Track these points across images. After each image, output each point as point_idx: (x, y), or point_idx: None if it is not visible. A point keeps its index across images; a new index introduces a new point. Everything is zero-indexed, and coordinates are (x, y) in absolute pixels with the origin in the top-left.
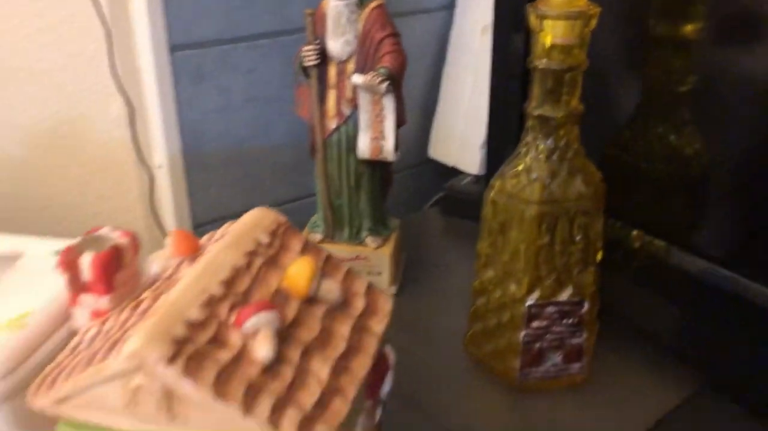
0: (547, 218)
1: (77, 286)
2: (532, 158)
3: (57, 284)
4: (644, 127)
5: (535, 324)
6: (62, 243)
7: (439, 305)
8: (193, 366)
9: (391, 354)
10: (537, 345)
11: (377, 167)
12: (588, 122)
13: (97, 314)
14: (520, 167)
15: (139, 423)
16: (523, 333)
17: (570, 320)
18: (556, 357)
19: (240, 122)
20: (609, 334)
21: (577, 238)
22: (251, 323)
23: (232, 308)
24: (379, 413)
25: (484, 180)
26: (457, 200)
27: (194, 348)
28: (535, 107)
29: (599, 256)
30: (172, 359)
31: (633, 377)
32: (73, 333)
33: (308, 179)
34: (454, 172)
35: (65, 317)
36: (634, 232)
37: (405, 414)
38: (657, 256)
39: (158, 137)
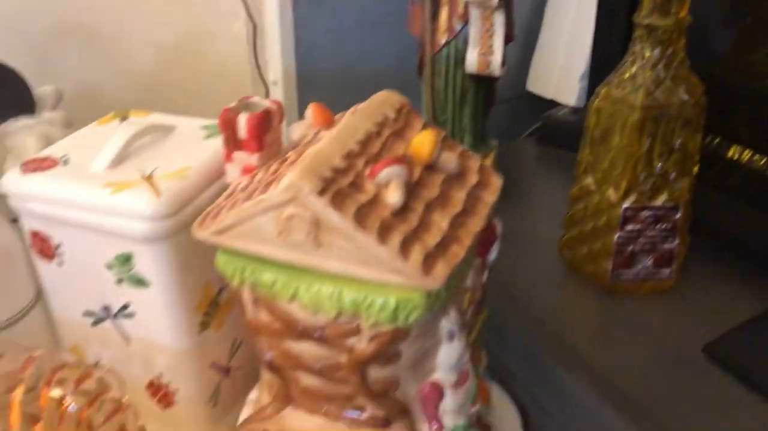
0: (649, 124)
1: (232, 143)
2: (638, 67)
3: (208, 149)
4: (750, 45)
5: (630, 227)
6: (208, 121)
7: (533, 219)
8: (338, 200)
9: (498, 226)
10: (630, 248)
11: (482, 83)
12: (694, 36)
13: (246, 170)
14: (626, 75)
15: (288, 252)
16: (617, 235)
17: (663, 226)
18: (647, 261)
19: (350, 44)
20: (700, 246)
21: (676, 146)
22: (384, 174)
23: (366, 164)
24: (485, 275)
25: (582, 110)
26: (554, 130)
27: (338, 187)
28: (645, 16)
29: (696, 168)
30: (321, 192)
31: (720, 286)
32: (225, 187)
33: (412, 103)
34: (551, 106)
35: (219, 173)
36: (733, 147)
37: (505, 308)
38: (756, 171)
39: (276, 55)
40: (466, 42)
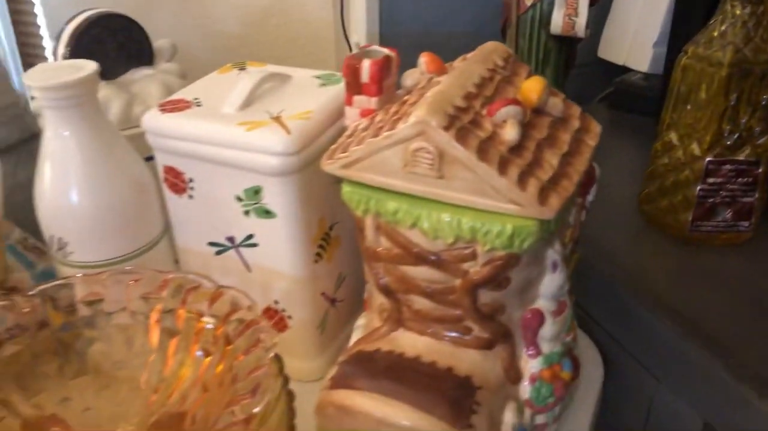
0: (736, 81)
1: (354, 88)
2: (727, 25)
3: (325, 95)
4: None
5: (711, 179)
6: (319, 71)
7: (608, 178)
8: (461, 134)
9: (597, 169)
10: (710, 200)
11: (565, 44)
12: None
13: (365, 113)
14: (715, 33)
15: (412, 183)
16: (699, 188)
17: (744, 180)
18: (727, 214)
19: (429, 6)
20: None
21: (763, 103)
22: (502, 112)
23: (483, 105)
24: (584, 214)
25: (654, 77)
26: (626, 95)
27: (461, 123)
28: None
29: None
30: (447, 127)
31: None
32: (343, 128)
33: None
34: (620, 72)
35: (336, 117)
36: None
37: (586, 254)
38: None
39: (361, 18)
40: (551, 3)
